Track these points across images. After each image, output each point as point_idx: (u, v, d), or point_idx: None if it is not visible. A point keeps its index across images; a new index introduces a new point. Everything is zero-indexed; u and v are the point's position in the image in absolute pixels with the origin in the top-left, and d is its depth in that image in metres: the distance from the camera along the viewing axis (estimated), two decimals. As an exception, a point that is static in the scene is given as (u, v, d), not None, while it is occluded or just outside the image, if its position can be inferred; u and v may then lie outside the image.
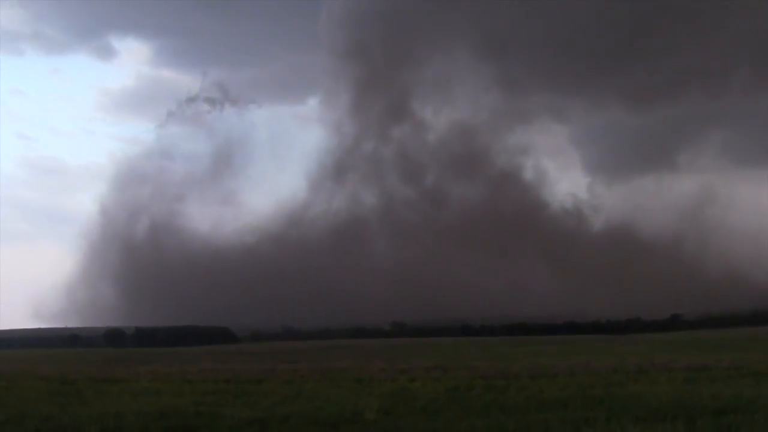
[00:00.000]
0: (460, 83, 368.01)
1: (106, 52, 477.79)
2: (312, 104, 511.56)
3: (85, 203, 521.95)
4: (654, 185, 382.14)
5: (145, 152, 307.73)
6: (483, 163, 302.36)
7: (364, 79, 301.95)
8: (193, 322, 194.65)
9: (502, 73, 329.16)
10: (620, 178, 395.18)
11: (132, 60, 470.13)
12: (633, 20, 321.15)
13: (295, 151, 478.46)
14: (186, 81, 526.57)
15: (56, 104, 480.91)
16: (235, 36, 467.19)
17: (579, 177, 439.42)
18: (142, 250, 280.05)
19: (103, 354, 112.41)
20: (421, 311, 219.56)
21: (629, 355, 64.13)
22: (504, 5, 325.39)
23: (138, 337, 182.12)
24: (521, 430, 20.78)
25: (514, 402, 26.76)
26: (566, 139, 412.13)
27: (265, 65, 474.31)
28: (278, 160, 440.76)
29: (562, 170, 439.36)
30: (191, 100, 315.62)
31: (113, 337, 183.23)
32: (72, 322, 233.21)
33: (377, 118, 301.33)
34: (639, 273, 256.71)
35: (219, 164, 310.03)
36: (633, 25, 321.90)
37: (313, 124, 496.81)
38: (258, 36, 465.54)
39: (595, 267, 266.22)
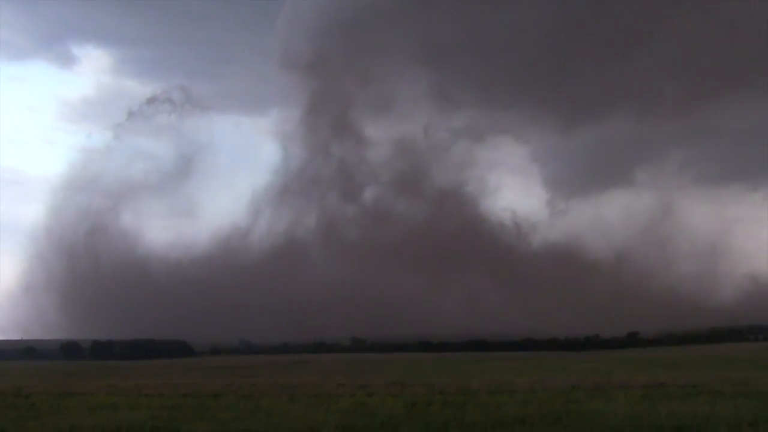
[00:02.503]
0: (403, 97, 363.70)
1: (67, 60, 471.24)
2: (273, 116, 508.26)
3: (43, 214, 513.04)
4: (611, 201, 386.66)
5: (98, 158, 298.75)
6: (425, 179, 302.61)
7: (312, 94, 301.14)
8: (150, 335, 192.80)
9: (444, 86, 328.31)
10: (576, 194, 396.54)
11: (93, 68, 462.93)
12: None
13: (251, 163, 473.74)
14: (148, 91, 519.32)
15: (16, 113, 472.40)
16: (200, 45, 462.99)
17: (536, 193, 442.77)
18: (91, 259, 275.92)
19: (59, 367, 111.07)
20: (378, 327, 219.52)
21: (587, 373, 64.50)
22: (451, 17, 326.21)
23: (95, 349, 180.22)
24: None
25: (473, 418, 26.77)
26: (524, 156, 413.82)
27: (230, 75, 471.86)
28: (234, 172, 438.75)
29: (512, 186, 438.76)
30: (152, 101, 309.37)
31: (70, 349, 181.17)
32: (27, 334, 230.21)
33: (323, 135, 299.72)
34: (591, 290, 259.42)
35: (176, 173, 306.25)
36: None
37: (272, 136, 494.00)
38: (224, 44, 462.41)
39: (544, 283, 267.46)
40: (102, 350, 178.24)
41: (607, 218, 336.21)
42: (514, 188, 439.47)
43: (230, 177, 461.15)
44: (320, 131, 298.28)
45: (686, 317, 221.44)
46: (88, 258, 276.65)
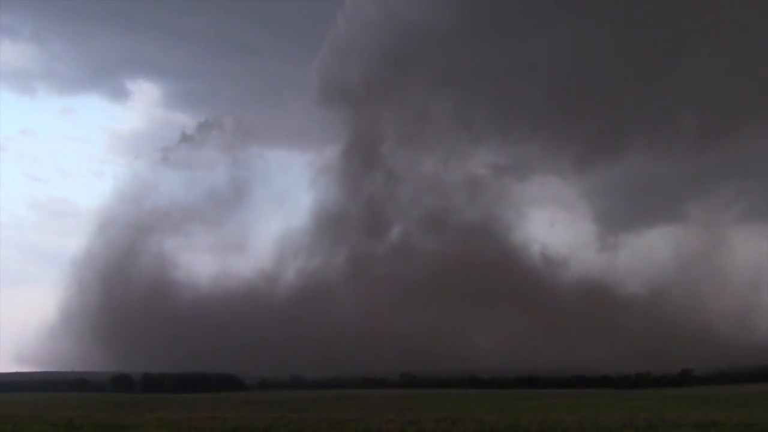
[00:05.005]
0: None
1: (119, 93, 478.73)
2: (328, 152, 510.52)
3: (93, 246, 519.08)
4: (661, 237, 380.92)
5: (140, 191, 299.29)
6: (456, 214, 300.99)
7: (346, 129, 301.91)
8: (201, 368, 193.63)
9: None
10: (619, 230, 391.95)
11: (144, 101, 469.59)
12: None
13: (297, 198, 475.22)
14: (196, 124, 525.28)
15: (67, 145, 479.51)
16: (249, 76, 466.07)
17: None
18: (139, 290, 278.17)
19: (110, 399, 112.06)
20: (427, 363, 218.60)
21: (639, 410, 63.68)
22: (480, 48, 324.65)
23: (146, 383, 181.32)
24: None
25: (523, 456, 26.66)
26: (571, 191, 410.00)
27: (281, 106, 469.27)
28: (282, 204, 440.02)
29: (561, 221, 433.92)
30: (203, 126, 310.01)
31: (121, 382, 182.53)
32: (78, 366, 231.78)
33: (355, 171, 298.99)
34: (641, 327, 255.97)
35: (225, 204, 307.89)
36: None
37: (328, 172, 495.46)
38: (274, 76, 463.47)
39: (591, 319, 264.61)
40: (153, 383, 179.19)
41: (655, 253, 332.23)
42: (562, 223, 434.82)
43: (278, 209, 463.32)
44: (353, 167, 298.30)
45: (740, 355, 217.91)
46: (135, 289, 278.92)
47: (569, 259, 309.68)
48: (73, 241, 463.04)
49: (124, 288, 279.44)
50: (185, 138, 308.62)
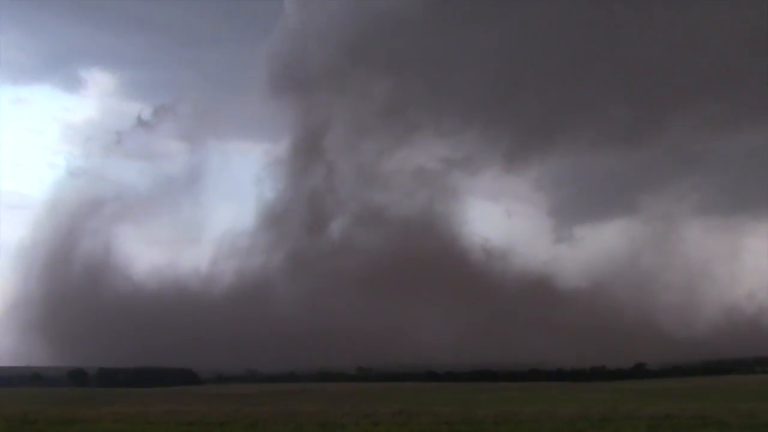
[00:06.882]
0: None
1: (73, 83, 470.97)
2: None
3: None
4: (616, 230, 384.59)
5: (90, 180, 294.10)
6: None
7: (296, 121, 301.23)
8: (156, 363, 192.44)
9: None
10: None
11: (98, 91, 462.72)
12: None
13: (249, 191, 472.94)
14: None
15: (20, 136, 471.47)
16: (205, 66, 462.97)
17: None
18: (91, 285, 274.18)
19: (65, 394, 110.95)
20: (383, 357, 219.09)
21: (593, 403, 64.27)
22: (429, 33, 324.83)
23: (101, 377, 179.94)
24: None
25: (479, 448, 26.81)
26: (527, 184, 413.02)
27: (240, 99, 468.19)
28: (238, 197, 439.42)
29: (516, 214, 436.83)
30: (142, 124, 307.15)
31: (76, 376, 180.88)
32: (33, 361, 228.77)
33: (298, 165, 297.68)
34: (596, 321, 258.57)
35: (179, 194, 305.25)
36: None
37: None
38: (230, 67, 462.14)
39: (546, 313, 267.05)
40: (108, 377, 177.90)
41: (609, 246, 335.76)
42: (519, 215, 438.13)
43: (230, 202, 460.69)
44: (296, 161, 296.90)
45: (693, 349, 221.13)
46: (88, 284, 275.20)
47: (516, 253, 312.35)
48: (27, 233, 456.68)
49: (67, 279, 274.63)
50: (141, 123, 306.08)
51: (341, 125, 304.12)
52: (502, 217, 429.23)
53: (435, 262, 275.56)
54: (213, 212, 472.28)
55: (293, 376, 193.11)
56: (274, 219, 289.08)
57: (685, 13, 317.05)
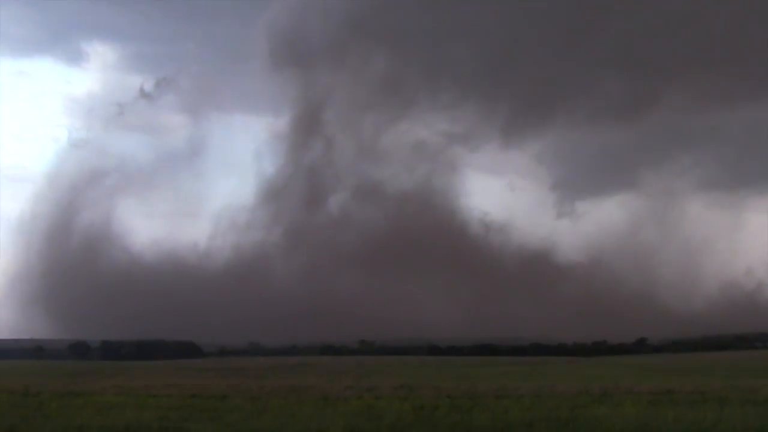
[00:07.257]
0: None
1: (75, 56, 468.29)
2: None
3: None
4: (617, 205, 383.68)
5: (92, 152, 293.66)
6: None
7: (296, 94, 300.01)
8: (159, 336, 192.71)
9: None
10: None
11: (99, 64, 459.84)
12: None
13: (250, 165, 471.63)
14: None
15: (22, 109, 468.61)
16: (209, 40, 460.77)
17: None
18: (93, 257, 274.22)
19: (67, 367, 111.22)
20: (386, 330, 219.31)
21: (594, 378, 64.39)
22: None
23: (103, 350, 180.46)
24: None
25: (480, 422, 26.81)
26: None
27: (242, 71, 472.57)
28: (241, 171, 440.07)
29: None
30: (144, 96, 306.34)
31: (78, 349, 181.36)
32: (36, 334, 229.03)
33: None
34: (599, 296, 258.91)
35: (182, 168, 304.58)
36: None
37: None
38: (235, 41, 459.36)
39: (548, 288, 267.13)
40: (110, 350, 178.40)
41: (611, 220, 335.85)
42: (522, 190, 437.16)
43: (231, 175, 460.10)
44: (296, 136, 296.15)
45: (694, 324, 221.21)
46: (88, 256, 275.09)
47: (517, 227, 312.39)
48: (28, 206, 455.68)
49: (68, 252, 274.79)
50: (143, 95, 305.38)
51: (341, 99, 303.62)
52: (504, 192, 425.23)
53: (434, 236, 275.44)
54: (213, 186, 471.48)
55: (295, 350, 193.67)
56: (273, 194, 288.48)
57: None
